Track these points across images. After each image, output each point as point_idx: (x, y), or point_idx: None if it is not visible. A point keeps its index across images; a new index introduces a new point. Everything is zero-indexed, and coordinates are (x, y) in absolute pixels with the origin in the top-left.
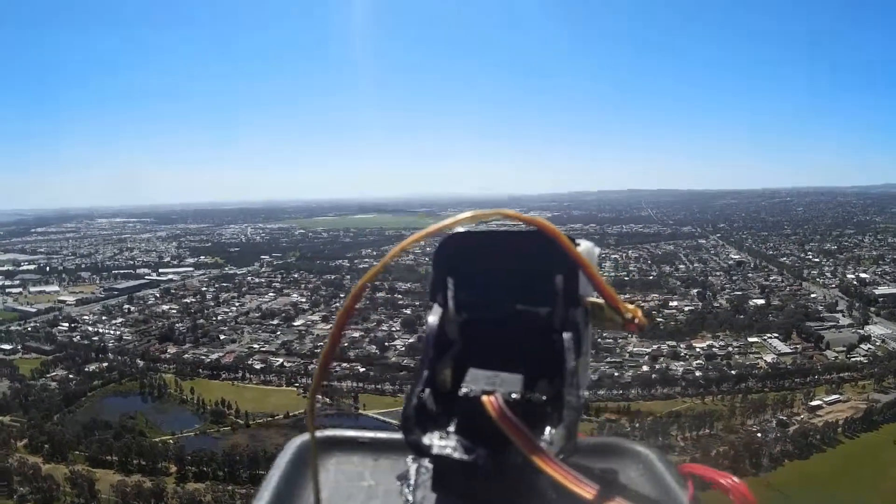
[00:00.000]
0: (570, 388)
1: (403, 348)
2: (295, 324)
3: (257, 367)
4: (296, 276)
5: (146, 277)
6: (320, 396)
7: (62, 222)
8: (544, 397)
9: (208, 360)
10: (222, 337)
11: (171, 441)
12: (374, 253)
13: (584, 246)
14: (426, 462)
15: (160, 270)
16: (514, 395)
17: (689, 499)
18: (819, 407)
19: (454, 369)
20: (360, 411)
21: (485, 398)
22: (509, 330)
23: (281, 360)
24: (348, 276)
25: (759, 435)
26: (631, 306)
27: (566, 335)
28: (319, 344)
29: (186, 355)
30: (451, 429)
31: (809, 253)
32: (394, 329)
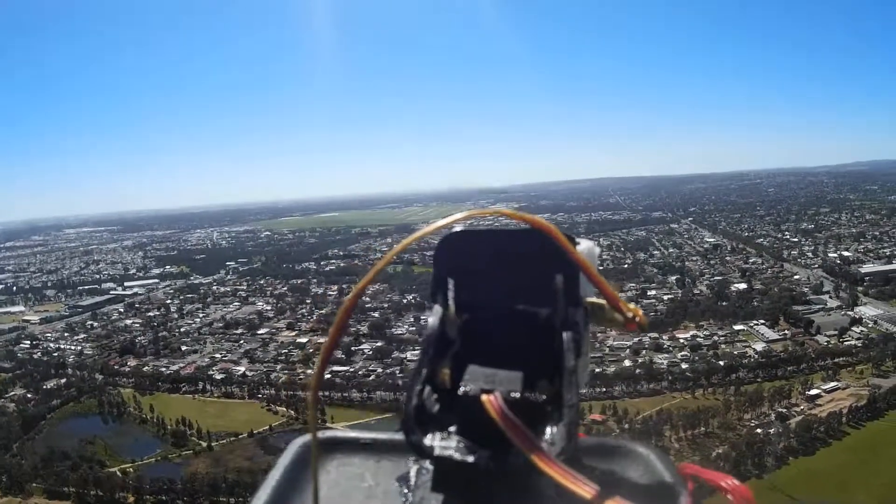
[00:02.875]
0: (569, 388)
1: (371, 352)
2: (259, 332)
3: (218, 377)
4: (262, 282)
5: (111, 292)
6: (284, 409)
7: (31, 235)
8: (544, 397)
9: (168, 371)
10: (184, 348)
11: (130, 469)
12: (341, 253)
13: (585, 245)
14: (426, 463)
15: (125, 284)
16: (514, 395)
17: (689, 499)
18: (818, 396)
19: (454, 369)
20: (328, 425)
21: (485, 398)
22: (509, 329)
23: (243, 368)
24: (314, 280)
25: (758, 431)
26: (632, 305)
27: (566, 335)
28: (283, 351)
29: (146, 368)
30: (452, 429)
31: (787, 233)
32: (361, 333)
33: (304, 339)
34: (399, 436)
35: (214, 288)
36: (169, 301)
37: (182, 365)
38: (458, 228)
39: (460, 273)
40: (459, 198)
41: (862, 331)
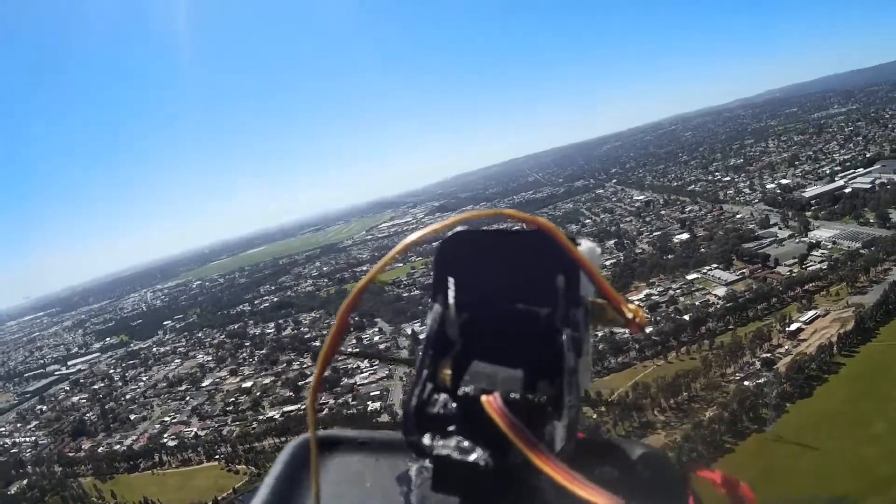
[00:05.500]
0: (570, 388)
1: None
2: (203, 384)
3: (172, 444)
4: (199, 335)
5: (55, 374)
6: (244, 466)
7: None
8: (544, 397)
9: (123, 448)
10: (133, 417)
11: None
12: (273, 288)
13: (586, 245)
14: (426, 462)
15: (69, 363)
16: (513, 395)
17: (690, 499)
18: (799, 330)
19: (454, 369)
20: None
21: (484, 398)
22: (510, 329)
23: (194, 429)
24: (251, 321)
25: (746, 384)
26: (632, 306)
27: (566, 335)
28: (231, 399)
29: (101, 448)
30: (452, 429)
31: (717, 173)
32: (306, 366)
33: (248, 384)
34: (399, 435)
35: (154, 350)
36: (112, 371)
37: (134, 437)
38: (458, 229)
39: (461, 273)
40: (379, 208)
41: (823, 253)
